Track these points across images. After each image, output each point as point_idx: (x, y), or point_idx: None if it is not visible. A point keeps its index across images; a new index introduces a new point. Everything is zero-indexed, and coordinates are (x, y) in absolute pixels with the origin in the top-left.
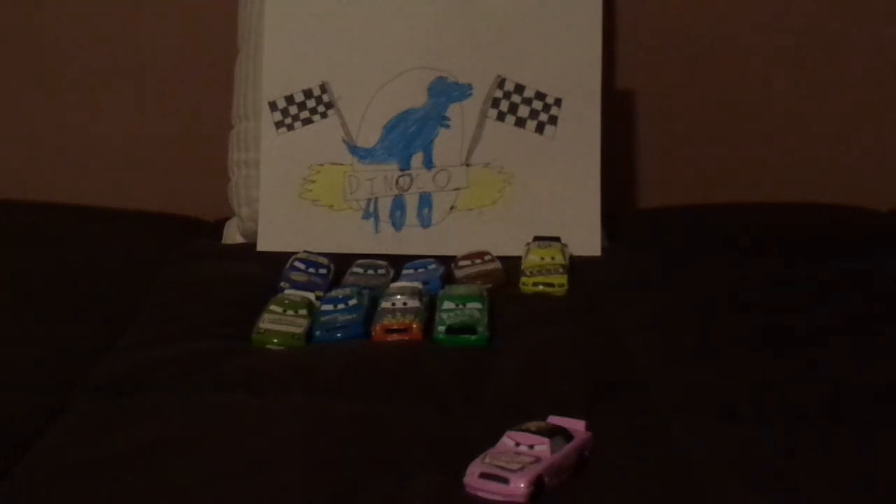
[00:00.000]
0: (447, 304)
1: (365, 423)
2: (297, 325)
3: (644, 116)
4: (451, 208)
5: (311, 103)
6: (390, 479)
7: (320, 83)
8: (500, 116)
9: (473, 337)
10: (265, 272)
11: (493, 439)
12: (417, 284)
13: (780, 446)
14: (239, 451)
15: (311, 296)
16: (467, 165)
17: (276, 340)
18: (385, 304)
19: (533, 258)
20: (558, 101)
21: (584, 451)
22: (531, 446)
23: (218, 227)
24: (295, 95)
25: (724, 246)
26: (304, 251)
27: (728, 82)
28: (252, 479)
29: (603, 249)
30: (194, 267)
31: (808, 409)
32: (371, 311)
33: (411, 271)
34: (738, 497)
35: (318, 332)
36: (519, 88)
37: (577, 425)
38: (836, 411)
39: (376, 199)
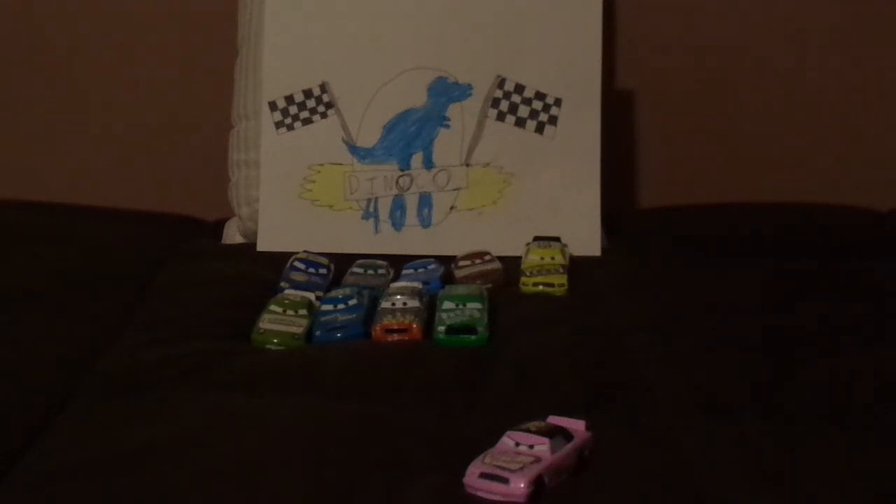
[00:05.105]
0: (447, 304)
1: (365, 423)
2: (297, 325)
3: (644, 116)
4: (451, 208)
5: (311, 103)
6: (390, 479)
7: (320, 83)
8: (500, 116)
9: (473, 337)
10: (265, 272)
11: (493, 439)
12: (417, 284)
13: (780, 446)
14: (239, 452)
15: (311, 296)
16: (467, 165)
17: (276, 340)
18: (385, 304)
19: (533, 258)
20: (558, 101)
21: (584, 451)
22: (531, 446)
23: (218, 227)
24: (295, 95)
25: (723, 246)
26: (304, 251)
27: (728, 82)
28: (252, 479)
29: (603, 249)
30: (194, 267)
31: (808, 409)
32: (371, 311)
33: (411, 271)
34: (738, 497)
35: (318, 332)
36: (519, 88)
37: (577, 425)
38: (837, 411)
39: (376, 199)
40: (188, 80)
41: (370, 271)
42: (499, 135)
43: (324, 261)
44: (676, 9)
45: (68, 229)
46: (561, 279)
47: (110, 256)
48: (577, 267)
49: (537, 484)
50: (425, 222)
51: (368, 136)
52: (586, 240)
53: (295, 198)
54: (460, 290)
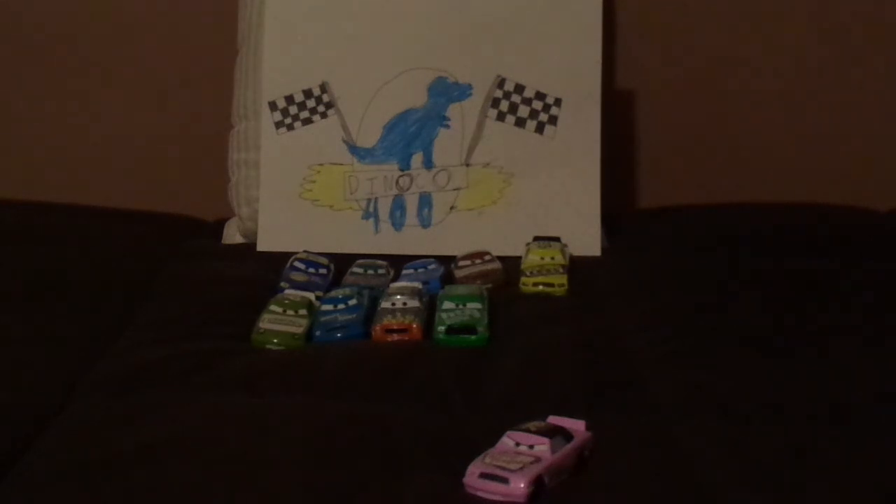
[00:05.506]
0: (447, 304)
1: (365, 423)
2: (297, 325)
3: (644, 116)
4: (451, 208)
5: (311, 103)
6: (390, 479)
7: (320, 83)
8: (500, 116)
9: (473, 337)
10: (265, 272)
11: (493, 439)
12: (417, 284)
13: (780, 446)
14: (239, 452)
15: (311, 296)
16: (467, 165)
17: (276, 340)
18: (385, 304)
19: (533, 258)
20: (558, 101)
21: (584, 451)
22: (531, 446)
23: (218, 227)
24: (295, 95)
25: (723, 246)
26: (304, 251)
27: (728, 82)
28: (252, 479)
29: (603, 249)
30: (194, 267)
31: (808, 409)
32: (371, 311)
33: (411, 271)
34: (739, 497)
35: (318, 332)
36: (519, 88)
37: (577, 425)
38: (837, 411)
39: (376, 199)
40: (188, 80)
41: (370, 271)
42: (499, 135)
43: (324, 261)
44: (676, 9)
45: (68, 229)
46: (561, 279)
47: (110, 256)
48: (577, 267)
49: (537, 484)
50: (425, 222)
51: (368, 136)
52: (586, 240)
53: (295, 198)
54: (460, 290)
